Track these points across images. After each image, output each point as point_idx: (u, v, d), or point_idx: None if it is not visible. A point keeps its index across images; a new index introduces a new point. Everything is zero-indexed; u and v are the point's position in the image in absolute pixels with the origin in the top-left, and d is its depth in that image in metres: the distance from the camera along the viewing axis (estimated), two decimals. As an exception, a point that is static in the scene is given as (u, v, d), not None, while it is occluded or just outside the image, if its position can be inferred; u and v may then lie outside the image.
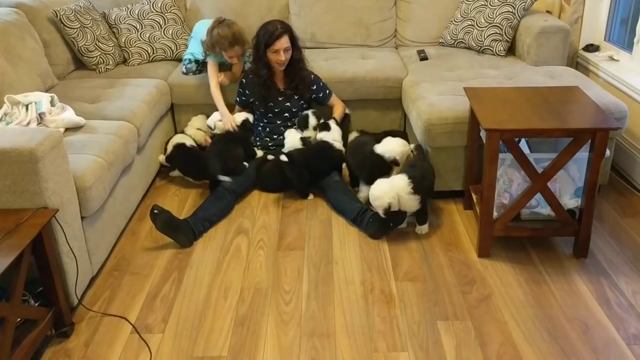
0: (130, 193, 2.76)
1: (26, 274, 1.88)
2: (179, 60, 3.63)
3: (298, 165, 2.89)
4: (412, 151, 2.89)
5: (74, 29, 3.33)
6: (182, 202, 3.02)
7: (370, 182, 2.65)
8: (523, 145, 2.65)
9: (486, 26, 3.49)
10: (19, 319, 1.93)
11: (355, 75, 3.34)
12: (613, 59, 3.46)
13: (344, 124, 3.34)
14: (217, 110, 3.25)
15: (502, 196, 2.50)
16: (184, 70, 3.43)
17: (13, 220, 1.90)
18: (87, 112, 2.77)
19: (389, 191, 2.53)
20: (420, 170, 2.63)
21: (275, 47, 3.05)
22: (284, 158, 2.87)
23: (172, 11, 3.69)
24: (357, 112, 3.42)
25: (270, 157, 3.05)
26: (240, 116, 3.19)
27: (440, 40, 3.77)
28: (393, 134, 3.31)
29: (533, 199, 2.41)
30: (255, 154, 3.17)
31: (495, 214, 2.45)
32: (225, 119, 3.19)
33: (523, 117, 2.33)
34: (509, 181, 2.51)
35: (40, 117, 2.51)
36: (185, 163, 3.11)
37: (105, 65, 3.46)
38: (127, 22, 3.58)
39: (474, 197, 2.69)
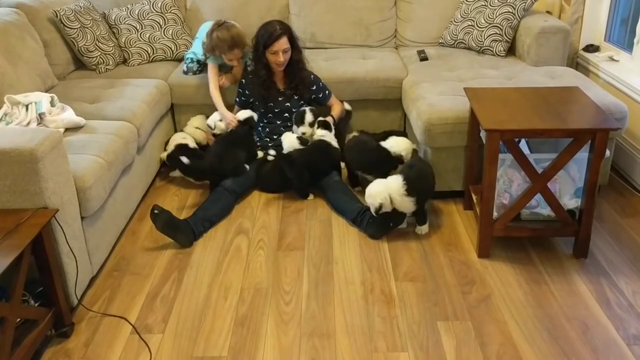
0: (130, 193, 2.76)
1: (26, 274, 1.88)
2: (179, 60, 3.63)
3: (298, 165, 2.89)
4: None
5: (74, 29, 3.33)
6: (182, 202, 3.02)
7: (377, 176, 2.67)
8: (523, 145, 2.65)
9: (486, 26, 3.49)
10: (19, 319, 1.93)
11: (355, 76, 3.34)
12: (613, 60, 3.46)
13: (344, 121, 3.35)
14: (216, 110, 3.26)
15: (502, 196, 2.50)
16: (185, 70, 3.43)
17: (13, 220, 1.90)
18: (87, 112, 2.77)
19: (382, 191, 2.55)
20: (417, 171, 2.63)
21: (274, 49, 3.05)
22: (272, 152, 2.98)
23: (172, 11, 3.69)
24: (357, 112, 3.42)
25: (270, 157, 3.05)
26: (245, 113, 3.19)
27: (440, 41, 3.77)
28: (393, 134, 3.32)
29: (533, 199, 2.41)
30: (257, 154, 3.17)
31: (495, 214, 2.45)
32: (225, 119, 3.19)
33: (523, 117, 2.33)
34: (509, 181, 2.51)
35: (40, 117, 2.51)
36: (176, 160, 3.10)
37: (105, 66, 3.46)
38: (127, 23, 3.58)
39: (474, 197, 2.69)
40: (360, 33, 3.79)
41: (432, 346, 2.02)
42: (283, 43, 3.05)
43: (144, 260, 2.55)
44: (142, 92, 3.07)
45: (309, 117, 3.10)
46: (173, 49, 3.63)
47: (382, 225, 2.64)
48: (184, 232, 2.62)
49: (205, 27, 3.44)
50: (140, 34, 3.59)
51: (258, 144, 3.26)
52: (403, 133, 3.41)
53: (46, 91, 2.99)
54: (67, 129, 2.56)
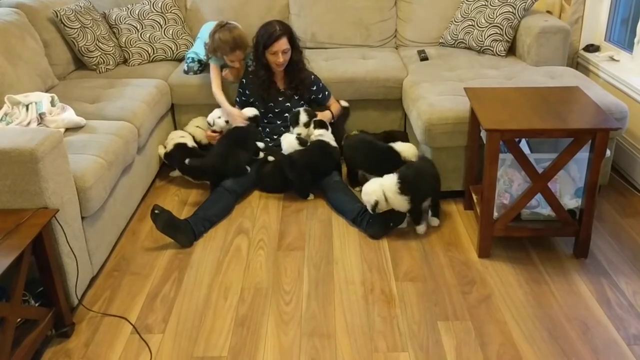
0: (130, 193, 2.76)
1: (26, 274, 1.88)
2: (179, 60, 3.63)
3: (299, 166, 2.89)
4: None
5: (74, 29, 3.33)
6: (182, 202, 3.02)
7: (381, 175, 2.68)
8: (523, 145, 2.65)
9: (486, 26, 3.49)
10: (19, 319, 1.93)
11: (355, 76, 3.34)
12: (613, 59, 3.46)
13: (343, 120, 3.34)
14: (216, 108, 3.26)
15: (503, 196, 2.50)
16: (185, 69, 3.43)
17: (13, 220, 1.90)
18: (88, 112, 2.77)
19: (377, 189, 2.57)
20: (415, 170, 2.64)
21: (273, 49, 3.05)
22: (270, 158, 2.98)
23: (173, 11, 3.69)
24: (357, 112, 3.42)
25: (270, 158, 3.05)
26: (251, 110, 3.19)
27: (440, 41, 3.77)
28: (393, 134, 3.32)
29: (533, 199, 2.41)
30: (259, 153, 3.16)
31: (495, 214, 2.45)
32: (232, 117, 3.18)
33: (523, 117, 2.33)
34: (509, 181, 2.51)
35: (41, 117, 2.51)
36: (184, 162, 3.10)
37: (105, 66, 3.46)
38: (127, 22, 3.58)
39: (474, 197, 2.69)
40: (360, 33, 3.79)
41: (432, 346, 2.02)
42: (283, 44, 3.05)
43: (144, 260, 2.55)
44: (143, 92, 3.07)
45: (303, 117, 3.09)
46: (173, 48, 3.63)
47: (382, 225, 2.64)
48: (184, 232, 2.62)
49: (206, 27, 3.45)
50: (141, 34, 3.59)
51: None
52: (403, 133, 3.41)
53: (46, 91, 2.99)
54: (67, 129, 2.56)
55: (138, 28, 3.59)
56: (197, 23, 3.69)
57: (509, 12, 3.43)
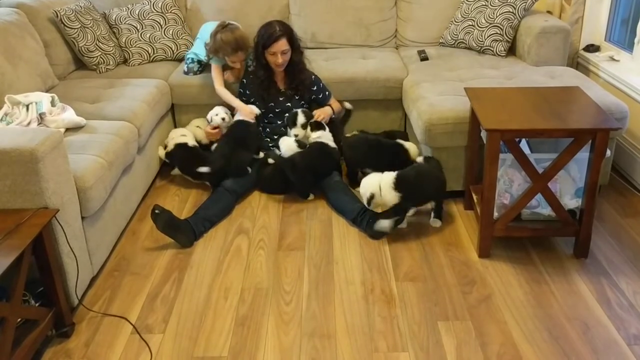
0: (130, 193, 2.76)
1: (27, 274, 1.88)
2: (180, 60, 3.63)
3: (301, 169, 2.88)
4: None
5: (75, 29, 3.33)
6: (182, 202, 3.02)
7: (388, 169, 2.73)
8: (523, 145, 2.65)
9: (487, 26, 3.49)
10: (19, 319, 1.93)
11: (355, 76, 3.34)
12: (613, 59, 3.46)
13: (344, 121, 3.34)
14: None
15: (503, 196, 2.50)
16: (185, 70, 3.43)
17: (13, 220, 1.90)
18: (88, 112, 2.77)
19: (375, 183, 2.59)
20: (417, 172, 2.64)
21: (272, 50, 3.05)
22: (270, 160, 2.99)
23: (173, 11, 3.69)
24: (357, 112, 3.42)
25: (270, 160, 3.04)
26: (256, 108, 3.21)
27: (440, 41, 3.77)
28: (393, 134, 3.32)
29: (534, 199, 2.41)
30: (259, 152, 3.17)
31: (495, 214, 2.45)
32: (243, 112, 3.18)
33: (523, 117, 2.33)
34: (509, 181, 2.51)
35: (41, 117, 2.51)
36: (184, 161, 3.11)
37: (105, 66, 3.46)
38: (127, 22, 3.58)
39: (474, 197, 2.69)
40: (360, 33, 3.79)
41: (432, 346, 2.02)
42: (282, 45, 3.05)
43: (145, 260, 2.55)
44: (143, 92, 3.07)
45: (300, 118, 3.09)
46: (173, 48, 3.63)
47: (397, 220, 2.63)
48: (184, 232, 2.62)
49: (206, 27, 3.45)
50: (141, 34, 3.58)
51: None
52: (403, 133, 3.42)
53: (46, 91, 2.99)
54: (67, 129, 2.56)
55: (138, 28, 3.59)
56: (197, 23, 3.69)
57: (509, 12, 3.43)
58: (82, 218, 2.23)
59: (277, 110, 3.25)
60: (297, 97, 3.25)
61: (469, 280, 2.36)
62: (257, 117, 3.18)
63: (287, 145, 3.01)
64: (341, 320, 2.16)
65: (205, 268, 2.48)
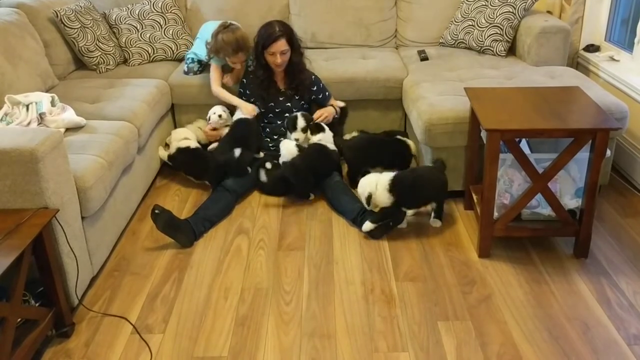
0: (130, 193, 2.76)
1: (27, 274, 1.88)
2: (180, 60, 3.63)
3: (302, 170, 2.87)
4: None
5: (75, 29, 3.33)
6: (182, 202, 3.02)
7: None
8: (523, 145, 2.65)
9: (487, 26, 3.49)
10: (19, 319, 1.93)
11: (355, 76, 3.34)
12: (613, 59, 3.46)
13: (341, 119, 3.34)
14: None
15: (503, 196, 2.50)
16: (185, 70, 3.43)
17: (13, 220, 1.90)
18: (88, 112, 2.77)
19: (372, 183, 2.61)
20: (415, 176, 2.64)
21: (271, 50, 3.05)
22: (268, 166, 3.00)
23: (173, 11, 3.69)
24: (357, 112, 3.42)
25: (268, 165, 3.03)
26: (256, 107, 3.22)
27: (440, 41, 3.77)
28: (393, 134, 3.32)
29: (534, 199, 2.41)
30: (260, 151, 3.17)
31: (495, 214, 2.45)
32: (244, 109, 3.19)
33: (523, 117, 2.33)
34: (509, 181, 2.51)
35: (41, 117, 2.51)
36: (187, 164, 3.12)
37: (105, 66, 3.46)
38: (127, 22, 3.58)
39: (474, 197, 2.69)
40: (360, 33, 3.79)
41: (432, 346, 2.02)
42: (281, 45, 3.05)
43: (145, 260, 2.55)
44: (143, 92, 3.07)
45: (301, 122, 3.07)
46: (173, 48, 3.63)
47: (382, 223, 2.64)
48: (184, 232, 2.62)
49: (206, 27, 3.45)
50: (141, 34, 3.58)
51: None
52: (403, 133, 3.42)
53: (46, 91, 2.99)
54: (67, 129, 2.56)
55: (138, 28, 3.59)
56: (197, 23, 3.69)
57: (509, 12, 3.43)
58: (82, 218, 2.23)
59: (277, 110, 3.25)
60: (297, 97, 3.25)
61: (469, 280, 2.36)
62: (257, 117, 3.19)
63: (288, 149, 2.98)
64: (341, 320, 2.16)
65: (205, 268, 2.48)
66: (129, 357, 2.02)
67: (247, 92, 3.27)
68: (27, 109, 2.54)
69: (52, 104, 2.60)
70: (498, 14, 3.45)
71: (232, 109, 3.30)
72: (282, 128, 3.23)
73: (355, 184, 3.01)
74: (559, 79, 3.04)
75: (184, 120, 3.48)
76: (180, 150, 3.11)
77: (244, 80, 3.28)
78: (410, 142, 3.09)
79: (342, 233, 2.71)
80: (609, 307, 2.19)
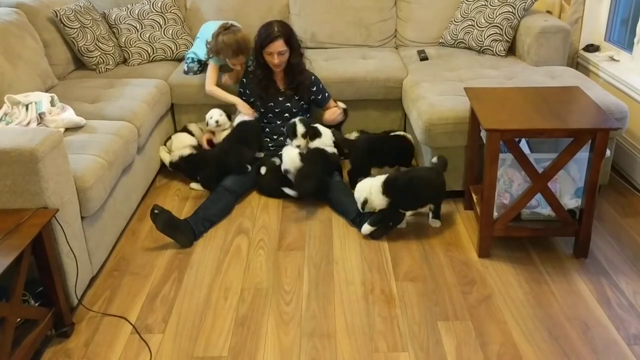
0: (130, 193, 2.76)
1: (26, 274, 1.88)
2: (179, 60, 3.63)
3: (304, 174, 2.86)
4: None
5: (74, 29, 3.33)
6: (182, 201, 3.02)
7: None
8: (523, 145, 2.65)
9: (486, 26, 3.49)
10: (19, 319, 1.93)
11: (355, 76, 3.34)
12: (613, 59, 3.46)
13: (341, 122, 3.34)
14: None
15: (503, 196, 2.50)
16: (186, 70, 3.42)
17: (13, 220, 1.90)
18: (87, 112, 2.76)
19: (367, 187, 2.61)
20: (409, 177, 2.63)
21: (269, 50, 3.06)
22: (262, 170, 3.01)
23: (172, 11, 3.69)
24: (357, 112, 3.42)
25: (263, 169, 3.01)
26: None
27: (440, 41, 3.77)
28: (390, 132, 3.32)
29: (533, 199, 2.41)
30: (261, 150, 3.16)
31: (495, 214, 2.45)
32: (244, 109, 3.20)
33: (523, 117, 2.33)
34: (509, 181, 2.51)
35: (41, 117, 2.51)
36: (191, 171, 3.12)
37: (105, 65, 3.46)
38: (127, 22, 3.58)
39: (474, 197, 2.69)
40: (360, 33, 3.79)
41: (432, 346, 2.02)
42: (278, 45, 3.04)
43: (144, 260, 2.55)
44: (142, 91, 3.07)
45: (300, 128, 3.04)
46: (173, 48, 3.63)
47: (381, 225, 2.64)
48: (184, 232, 2.62)
49: (206, 27, 3.44)
50: (140, 34, 3.58)
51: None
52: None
53: (46, 91, 2.99)
54: (67, 129, 2.56)
55: (138, 28, 3.59)
56: (197, 23, 3.69)
57: (509, 12, 3.43)
58: (82, 218, 2.23)
59: (276, 110, 3.24)
60: (296, 98, 3.24)
61: (469, 280, 2.36)
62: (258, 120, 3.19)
63: (291, 159, 2.92)
64: (341, 320, 2.16)
65: (205, 268, 2.48)
66: (128, 357, 2.02)
67: (247, 91, 3.27)
68: (27, 109, 2.54)
69: (52, 103, 2.60)
70: (498, 14, 3.45)
71: (229, 110, 3.29)
72: (282, 128, 3.23)
73: (354, 185, 3.01)
74: (559, 79, 3.04)
75: (184, 120, 3.48)
76: (183, 159, 3.12)
77: (244, 80, 3.28)
78: (408, 135, 3.13)
79: (342, 233, 2.71)
80: (609, 307, 2.19)
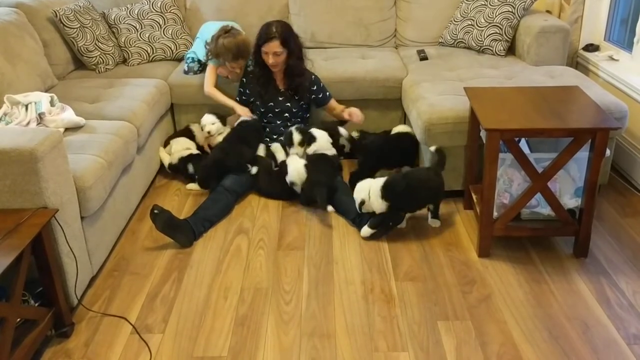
0: (130, 193, 2.76)
1: (26, 274, 1.88)
2: (179, 60, 3.63)
3: (311, 182, 2.85)
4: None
5: (74, 28, 3.33)
6: (182, 201, 3.02)
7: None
8: (523, 145, 2.65)
9: (486, 26, 3.49)
10: (19, 319, 1.93)
11: (355, 75, 3.34)
12: (613, 59, 3.46)
13: (341, 123, 3.33)
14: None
15: (502, 196, 2.50)
16: (185, 69, 3.42)
17: (13, 220, 1.90)
18: (87, 112, 2.76)
19: (365, 189, 2.60)
20: (408, 180, 2.61)
21: (264, 49, 3.06)
22: (253, 171, 2.97)
23: (172, 11, 3.69)
24: (357, 112, 3.42)
25: (254, 169, 2.99)
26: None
27: (440, 40, 3.77)
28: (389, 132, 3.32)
29: (533, 198, 2.41)
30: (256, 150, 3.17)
31: (495, 213, 2.45)
32: (239, 111, 3.21)
33: (523, 116, 2.33)
34: (509, 181, 2.51)
35: (40, 117, 2.50)
36: (189, 171, 3.13)
37: (105, 65, 3.46)
38: (126, 22, 3.58)
39: (474, 197, 2.69)
40: (360, 33, 3.79)
41: (432, 346, 2.02)
42: (274, 46, 3.04)
43: (144, 260, 2.55)
44: (142, 91, 3.07)
45: (296, 137, 3.03)
46: (173, 48, 3.63)
47: (381, 225, 2.64)
48: (184, 232, 2.62)
49: (206, 27, 3.44)
50: (140, 34, 3.58)
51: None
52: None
53: (46, 91, 2.99)
54: (67, 129, 2.56)
55: (137, 28, 3.59)
56: (196, 23, 3.69)
57: (509, 11, 3.43)
58: (82, 218, 2.23)
59: (276, 110, 3.24)
60: (296, 98, 3.24)
61: (468, 280, 2.36)
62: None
63: (297, 171, 2.89)
64: (341, 320, 2.16)
65: (205, 268, 2.48)
66: (128, 357, 2.02)
67: (247, 91, 3.27)
68: (27, 109, 2.54)
69: (52, 103, 2.60)
70: (497, 14, 3.45)
71: (224, 112, 3.28)
72: (282, 128, 3.23)
73: (354, 185, 3.01)
74: (559, 79, 3.04)
75: (184, 120, 3.48)
76: (183, 160, 3.12)
77: (244, 80, 3.28)
78: (410, 130, 3.10)
79: (342, 233, 2.71)
80: (609, 306, 2.19)
